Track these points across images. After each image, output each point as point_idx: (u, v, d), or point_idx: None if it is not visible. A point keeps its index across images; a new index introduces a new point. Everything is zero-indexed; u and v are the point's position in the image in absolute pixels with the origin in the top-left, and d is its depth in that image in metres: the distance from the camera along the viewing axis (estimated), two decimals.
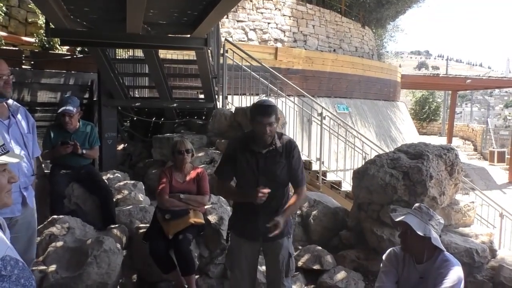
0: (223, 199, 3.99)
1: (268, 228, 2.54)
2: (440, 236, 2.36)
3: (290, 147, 2.66)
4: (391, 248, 2.56)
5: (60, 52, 8.53)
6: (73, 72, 7.57)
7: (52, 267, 3.15)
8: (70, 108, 3.91)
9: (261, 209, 2.59)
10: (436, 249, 2.32)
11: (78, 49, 8.43)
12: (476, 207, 4.51)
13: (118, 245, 3.44)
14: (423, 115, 32.71)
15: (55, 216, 3.62)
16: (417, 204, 2.44)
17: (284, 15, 12.73)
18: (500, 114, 73.84)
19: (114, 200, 4.35)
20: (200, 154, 5.56)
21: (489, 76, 27.57)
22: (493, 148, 21.92)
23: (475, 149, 24.54)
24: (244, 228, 2.73)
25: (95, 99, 7.28)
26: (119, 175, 5.00)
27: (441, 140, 23.03)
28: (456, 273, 2.24)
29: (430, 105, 33.17)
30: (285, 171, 2.64)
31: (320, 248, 3.97)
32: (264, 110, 2.52)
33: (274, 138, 2.61)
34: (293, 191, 2.82)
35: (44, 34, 7.73)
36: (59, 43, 7.77)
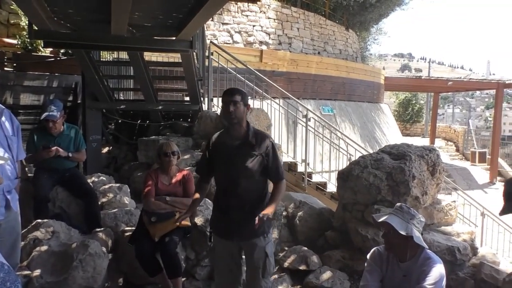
0: (209, 200, 4.00)
1: (240, 228, 2.60)
2: (422, 234, 2.42)
3: (263, 140, 2.67)
4: (375, 248, 2.60)
5: (43, 54, 8.41)
6: (56, 74, 7.49)
7: (37, 272, 3.11)
8: (54, 113, 3.87)
9: (233, 207, 2.64)
10: (419, 247, 2.38)
11: (62, 51, 8.33)
12: (458, 206, 4.61)
13: (104, 249, 3.42)
14: (407, 117, 33.19)
15: (39, 220, 3.58)
16: (398, 204, 2.49)
17: (269, 18, 12.78)
18: (481, 116, 75.36)
19: (99, 203, 4.32)
20: (186, 157, 5.55)
21: (470, 78, 28.12)
22: (475, 148, 22.33)
23: (457, 150, 24.97)
24: (220, 227, 2.77)
25: (79, 101, 7.22)
26: (104, 178, 4.96)
27: (424, 141, 23.39)
28: (438, 270, 2.30)
29: (413, 106, 33.68)
30: (257, 164, 2.62)
31: (306, 248, 4.01)
32: (228, 91, 2.61)
33: (248, 132, 2.64)
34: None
35: (27, 36, 7.61)
36: (42, 45, 7.67)
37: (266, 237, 2.72)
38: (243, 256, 2.81)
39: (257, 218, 2.45)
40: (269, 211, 2.52)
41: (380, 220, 2.42)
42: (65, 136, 4.05)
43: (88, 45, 5.02)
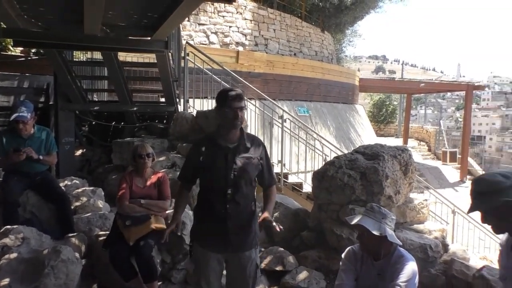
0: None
1: (237, 239, 2.47)
2: (394, 231, 2.47)
3: (258, 143, 2.60)
4: (349, 247, 2.64)
5: (13, 53, 8.17)
6: (27, 74, 7.29)
7: (5, 281, 3.00)
8: (24, 114, 3.73)
9: (230, 215, 2.46)
10: (392, 245, 2.43)
11: (33, 50, 8.11)
12: (430, 205, 4.73)
13: (77, 254, 3.34)
14: (381, 118, 33.84)
15: (8, 226, 3.46)
16: (369, 205, 2.52)
17: (245, 19, 12.80)
18: (452, 116, 77.67)
19: (72, 207, 4.22)
20: (161, 158, 5.49)
21: (442, 81, 28.86)
22: (446, 148, 22.95)
23: (429, 150, 25.59)
24: (211, 239, 2.52)
25: (51, 103, 7.04)
26: (77, 181, 4.85)
27: (398, 142, 23.90)
28: (411, 268, 2.35)
29: (387, 107, 34.39)
30: (254, 168, 2.52)
31: (282, 249, 4.04)
32: (235, 95, 2.44)
33: (243, 134, 2.54)
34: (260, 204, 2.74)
35: None
36: (12, 44, 7.45)
37: (257, 248, 2.63)
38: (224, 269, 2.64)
39: (261, 219, 2.38)
40: (267, 215, 2.43)
41: (353, 223, 2.45)
42: (35, 138, 3.93)
43: (60, 45, 4.89)
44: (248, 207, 2.55)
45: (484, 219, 1.79)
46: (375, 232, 2.33)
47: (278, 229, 2.38)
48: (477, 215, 1.84)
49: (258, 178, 2.62)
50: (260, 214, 2.52)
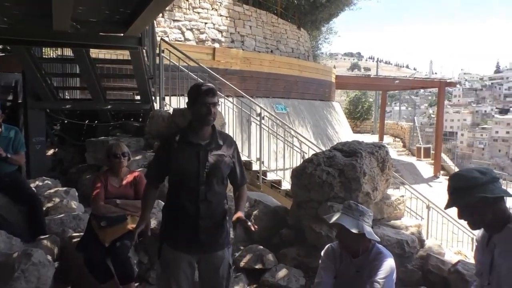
0: (162, 202, 3.89)
1: (209, 239, 2.41)
2: (372, 227, 2.47)
3: (230, 141, 2.54)
4: (328, 244, 2.64)
5: None
6: None
7: None
8: None
9: (202, 215, 2.38)
10: (371, 242, 2.43)
11: (0, 47, 7.82)
12: (406, 200, 4.79)
13: (49, 257, 3.23)
14: (357, 114, 34.35)
15: None
16: (346, 202, 2.51)
17: (221, 15, 12.71)
18: (425, 113, 79.58)
19: (44, 208, 4.10)
20: (137, 157, 5.39)
21: (415, 77, 29.51)
22: (420, 144, 23.47)
23: (404, 146, 26.13)
24: (182, 240, 2.43)
25: (20, 101, 6.80)
26: (49, 182, 4.72)
27: (374, 138, 24.31)
28: (388, 264, 2.36)
29: (363, 104, 34.92)
30: (226, 166, 2.46)
31: (261, 247, 4.01)
32: (208, 90, 2.36)
33: (214, 131, 2.47)
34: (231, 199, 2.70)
35: None
36: None
37: (229, 248, 2.57)
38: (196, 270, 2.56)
39: (234, 218, 2.32)
40: (241, 215, 2.37)
41: (332, 221, 2.44)
42: (3, 137, 3.78)
43: (27, 41, 4.73)
44: (220, 205, 2.49)
45: (461, 215, 1.80)
46: (354, 230, 2.32)
47: (253, 229, 2.33)
48: (452, 210, 1.85)
49: (230, 177, 2.56)
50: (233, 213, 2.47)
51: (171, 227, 2.49)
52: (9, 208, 3.89)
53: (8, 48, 7.18)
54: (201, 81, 7.14)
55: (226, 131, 6.43)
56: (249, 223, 2.33)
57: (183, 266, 2.45)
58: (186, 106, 2.55)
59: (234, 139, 2.67)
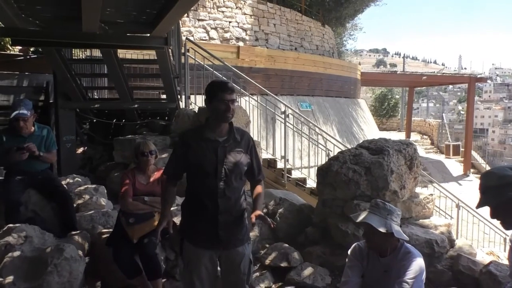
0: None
1: (228, 235, 2.41)
2: (400, 226, 2.43)
3: (248, 137, 2.53)
4: (356, 243, 2.61)
5: (12, 52, 8.13)
6: (26, 73, 7.26)
7: (9, 279, 2.99)
8: (24, 112, 3.71)
9: (221, 211, 2.39)
10: (399, 241, 2.39)
11: (32, 49, 8.08)
12: (435, 199, 4.69)
13: (80, 252, 3.32)
14: (383, 111, 33.73)
15: (11, 225, 3.44)
16: (373, 201, 2.47)
17: (245, 14, 12.72)
18: (454, 109, 77.54)
19: (75, 205, 4.20)
20: (163, 156, 5.45)
21: (443, 73, 28.74)
22: (449, 141, 22.85)
23: (432, 143, 25.51)
24: (202, 236, 2.45)
25: (51, 101, 7.01)
26: (79, 179, 4.83)
27: (400, 135, 23.86)
28: (418, 264, 2.32)
29: (389, 101, 34.25)
30: (244, 162, 2.46)
31: (287, 245, 4.00)
32: (226, 87, 2.37)
33: (232, 127, 2.48)
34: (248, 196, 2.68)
35: None
36: (10, 43, 7.41)
37: (250, 243, 2.57)
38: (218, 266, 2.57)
39: (253, 217, 2.30)
40: (260, 212, 2.37)
41: (359, 220, 2.41)
42: (36, 136, 3.91)
43: (58, 43, 4.86)
44: (239, 202, 2.49)
45: (493, 214, 1.75)
46: (381, 229, 2.28)
47: (272, 226, 2.36)
48: (484, 210, 1.80)
49: (248, 173, 2.55)
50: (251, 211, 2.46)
51: (191, 223, 2.51)
52: (42, 204, 4.02)
53: (40, 50, 7.39)
54: (225, 79, 7.18)
55: (251, 129, 6.46)
56: (269, 220, 2.34)
57: (205, 262, 2.46)
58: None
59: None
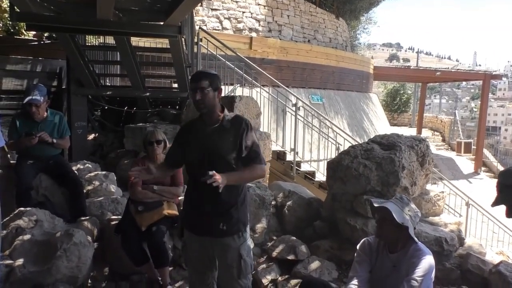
0: None
1: (214, 223, 2.40)
2: (415, 229, 2.39)
3: (238, 122, 2.42)
4: (365, 238, 2.59)
5: (26, 37, 8.17)
6: (40, 58, 7.30)
7: (19, 261, 3.04)
8: (37, 97, 3.74)
9: (205, 200, 2.40)
10: (410, 240, 2.36)
11: (46, 34, 8.11)
12: (445, 197, 4.64)
13: (89, 238, 3.36)
14: (394, 107, 33.38)
15: (22, 209, 3.49)
16: (398, 195, 2.46)
17: (259, 4, 12.61)
18: (466, 106, 76.53)
19: (85, 191, 4.24)
20: None
21: (458, 69, 28.30)
22: (460, 139, 22.56)
23: (443, 140, 25.23)
24: (192, 222, 2.53)
25: (64, 87, 7.05)
26: (89, 165, 4.87)
27: (411, 131, 23.59)
28: (427, 262, 2.29)
29: (401, 96, 33.87)
30: (231, 149, 2.38)
31: (294, 238, 4.00)
32: (194, 76, 2.38)
33: (223, 117, 2.42)
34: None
35: (8, 18, 7.38)
36: (25, 28, 7.45)
37: (240, 237, 2.47)
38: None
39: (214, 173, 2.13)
40: (221, 176, 2.16)
41: (378, 205, 2.38)
42: (48, 122, 3.94)
43: (72, 29, 4.87)
44: (228, 192, 2.35)
45: (510, 213, 1.72)
46: (398, 220, 2.26)
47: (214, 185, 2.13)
48: (496, 209, 1.77)
49: (244, 159, 2.41)
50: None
51: (185, 209, 2.64)
52: (53, 189, 4.06)
53: (54, 35, 7.42)
54: (238, 70, 7.14)
55: (261, 121, 6.43)
56: (217, 178, 2.13)
57: (195, 248, 2.55)
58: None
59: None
